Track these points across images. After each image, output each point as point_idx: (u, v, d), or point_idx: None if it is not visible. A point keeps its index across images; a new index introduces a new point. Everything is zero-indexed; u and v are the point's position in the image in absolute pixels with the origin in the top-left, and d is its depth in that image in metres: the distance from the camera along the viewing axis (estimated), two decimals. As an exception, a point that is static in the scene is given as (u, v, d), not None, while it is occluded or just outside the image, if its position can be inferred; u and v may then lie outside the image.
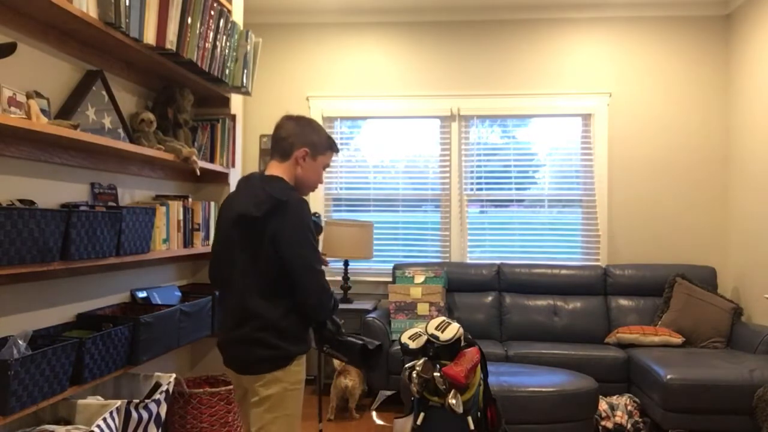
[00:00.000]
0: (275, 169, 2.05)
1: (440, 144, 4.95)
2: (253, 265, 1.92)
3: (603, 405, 3.58)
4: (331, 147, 2.12)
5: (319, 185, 2.18)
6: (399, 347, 3.87)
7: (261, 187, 1.94)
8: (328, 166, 2.15)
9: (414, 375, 2.42)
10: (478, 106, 4.88)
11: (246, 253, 1.93)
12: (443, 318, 2.54)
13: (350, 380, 3.87)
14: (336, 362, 3.86)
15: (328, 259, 2.16)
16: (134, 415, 2.27)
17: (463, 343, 2.50)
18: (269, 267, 1.90)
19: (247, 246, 1.92)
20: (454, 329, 2.46)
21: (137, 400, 2.30)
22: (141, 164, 2.83)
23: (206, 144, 3.24)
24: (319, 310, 1.95)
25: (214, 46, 2.84)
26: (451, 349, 2.46)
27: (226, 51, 2.97)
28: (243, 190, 2.01)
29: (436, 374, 2.38)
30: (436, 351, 2.46)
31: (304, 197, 2.00)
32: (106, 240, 2.19)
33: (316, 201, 4.93)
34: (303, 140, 2.04)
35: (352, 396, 3.90)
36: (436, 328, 2.47)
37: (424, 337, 2.50)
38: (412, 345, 2.51)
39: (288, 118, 2.08)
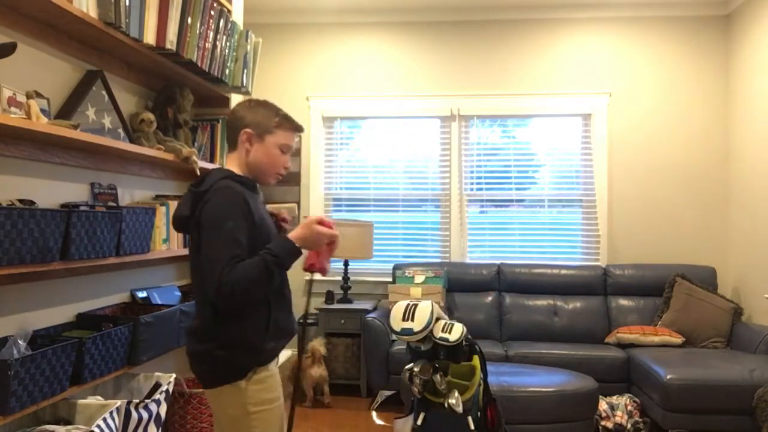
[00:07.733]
0: (228, 160, 1.88)
1: (440, 144, 4.95)
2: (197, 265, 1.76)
3: (603, 405, 3.58)
4: (282, 125, 1.85)
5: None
6: (403, 347, 3.92)
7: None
8: (288, 147, 1.88)
9: (415, 375, 2.41)
10: (478, 106, 4.88)
11: (194, 256, 1.78)
12: (444, 320, 2.53)
13: (323, 370, 4.12)
14: (310, 352, 4.12)
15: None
16: (134, 415, 2.27)
17: (464, 344, 2.50)
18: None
19: (192, 248, 1.79)
20: (459, 329, 2.45)
21: (137, 400, 2.29)
22: (141, 164, 2.83)
23: (206, 144, 3.23)
24: (223, 306, 1.66)
25: (214, 46, 2.84)
26: (456, 350, 2.46)
27: (226, 51, 2.97)
28: None
29: (436, 376, 2.38)
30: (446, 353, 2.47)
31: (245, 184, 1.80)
32: (106, 240, 2.19)
33: (315, 201, 4.92)
34: (245, 122, 1.83)
35: (325, 382, 4.16)
36: (442, 331, 2.46)
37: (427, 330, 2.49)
38: (423, 347, 2.50)
39: (238, 104, 1.88)
